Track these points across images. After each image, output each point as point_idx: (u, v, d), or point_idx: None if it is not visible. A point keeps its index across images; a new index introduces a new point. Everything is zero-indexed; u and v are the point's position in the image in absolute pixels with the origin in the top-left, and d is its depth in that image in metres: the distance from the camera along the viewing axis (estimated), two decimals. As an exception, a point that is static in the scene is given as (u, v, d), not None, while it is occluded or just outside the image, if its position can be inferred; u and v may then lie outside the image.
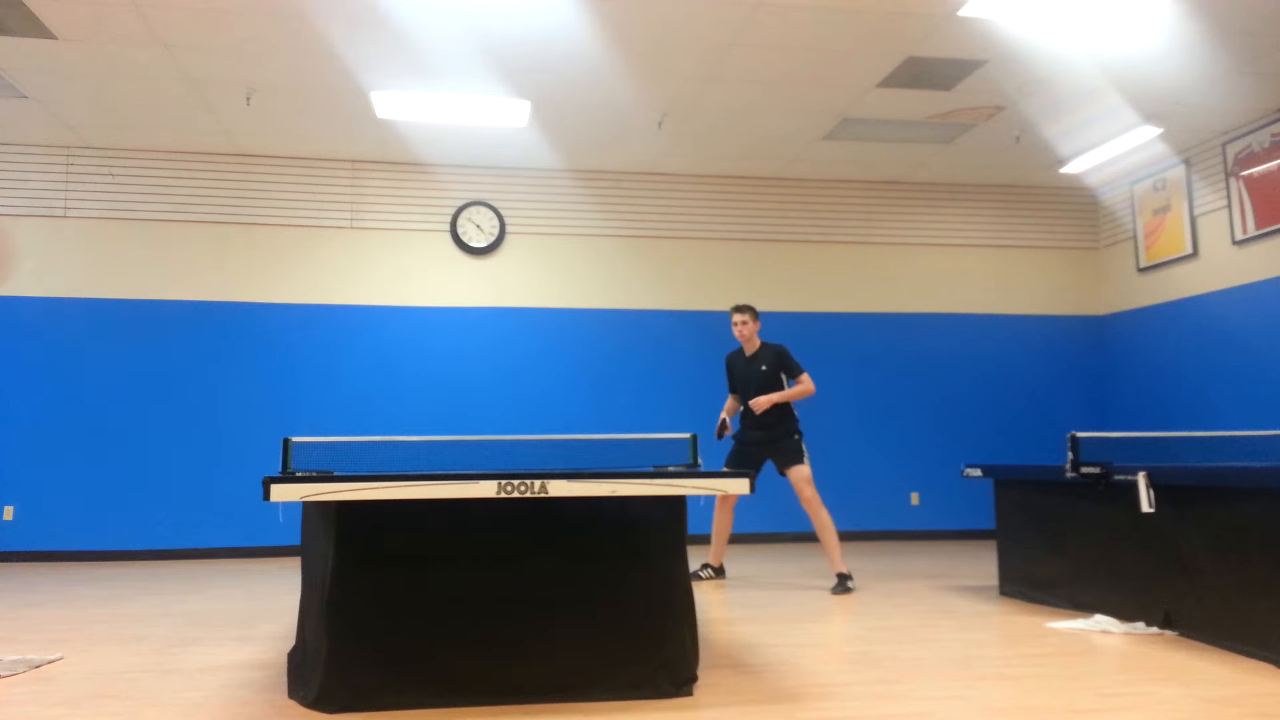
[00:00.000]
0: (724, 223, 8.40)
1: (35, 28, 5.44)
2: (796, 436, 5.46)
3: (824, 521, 5.29)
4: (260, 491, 2.51)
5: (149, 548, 7.17)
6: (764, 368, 5.51)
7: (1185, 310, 7.80)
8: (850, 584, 5.26)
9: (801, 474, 5.34)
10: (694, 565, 5.82)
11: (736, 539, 7.70)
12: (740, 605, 4.95)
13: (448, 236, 7.98)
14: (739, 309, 5.62)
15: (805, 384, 5.45)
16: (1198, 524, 3.86)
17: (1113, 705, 2.92)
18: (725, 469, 5.52)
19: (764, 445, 5.47)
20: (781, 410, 5.48)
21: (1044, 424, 8.49)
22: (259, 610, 4.86)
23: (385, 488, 2.72)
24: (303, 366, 7.58)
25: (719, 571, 5.87)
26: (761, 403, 5.40)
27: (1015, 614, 4.58)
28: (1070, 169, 8.19)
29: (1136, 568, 4.21)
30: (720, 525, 5.79)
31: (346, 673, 2.86)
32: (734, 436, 5.66)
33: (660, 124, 7.07)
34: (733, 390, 5.71)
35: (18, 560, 7.01)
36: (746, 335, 5.58)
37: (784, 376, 5.52)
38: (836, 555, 5.30)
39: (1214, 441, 6.76)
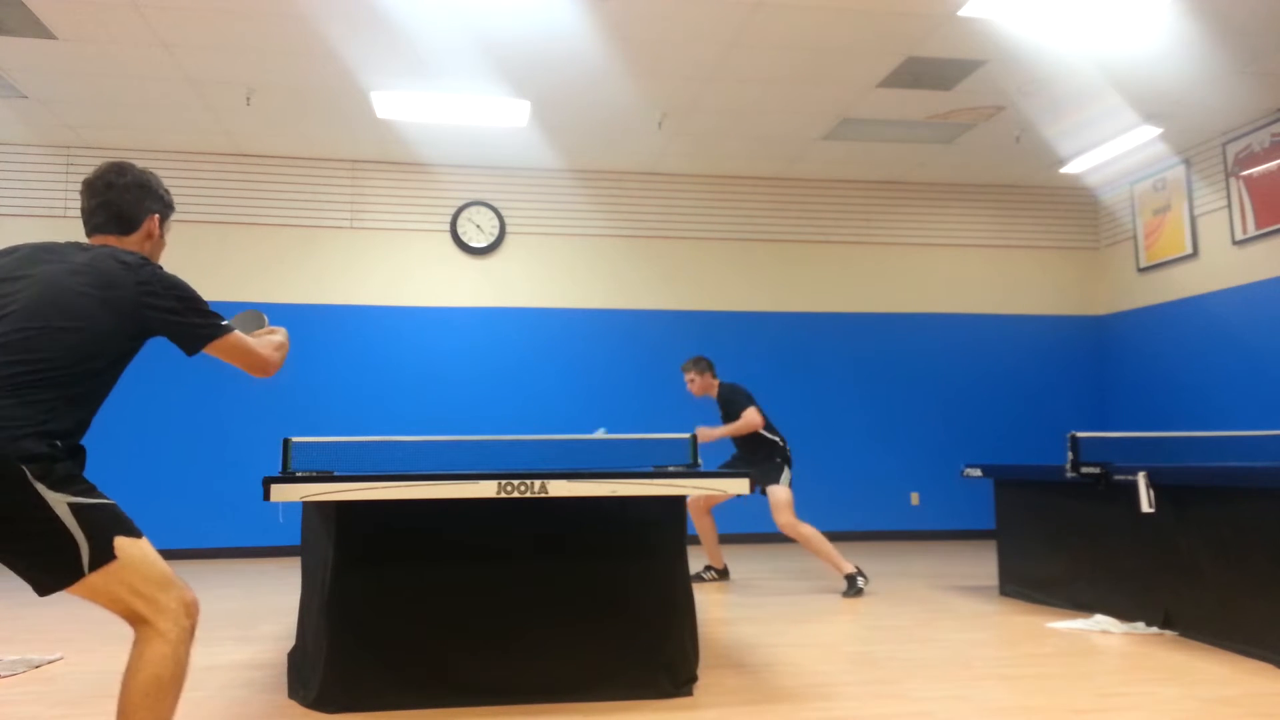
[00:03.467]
0: (724, 223, 8.40)
1: (35, 28, 5.44)
2: (778, 460, 5.41)
3: (808, 538, 5.23)
4: (260, 491, 2.52)
5: (149, 548, 7.17)
6: (724, 411, 5.56)
7: (1185, 310, 7.80)
8: (861, 583, 5.22)
9: (777, 496, 5.28)
10: (695, 567, 5.82)
11: (737, 539, 7.70)
12: (740, 605, 4.95)
13: (448, 236, 7.98)
14: (684, 368, 5.66)
15: (745, 418, 5.39)
16: (1198, 524, 3.86)
17: (1113, 705, 2.92)
18: (721, 469, 5.53)
19: (751, 467, 5.47)
20: (753, 440, 5.47)
21: (1044, 424, 8.49)
22: (259, 610, 4.86)
23: (385, 488, 2.72)
24: (303, 366, 7.57)
25: (723, 573, 5.87)
26: (703, 434, 5.39)
27: (1015, 614, 4.58)
28: (1070, 169, 8.18)
29: (1136, 568, 4.21)
30: (704, 529, 5.79)
31: (346, 673, 2.86)
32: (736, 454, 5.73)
33: (660, 124, 7.07)
34: None
35: (18, 560, 7.00)
36: (697, 392, 5.64)
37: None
38: (836, 560, 5.26)
39: (1214, 441, 6.76)
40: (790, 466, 5.42)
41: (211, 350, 2.18)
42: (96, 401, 2.04)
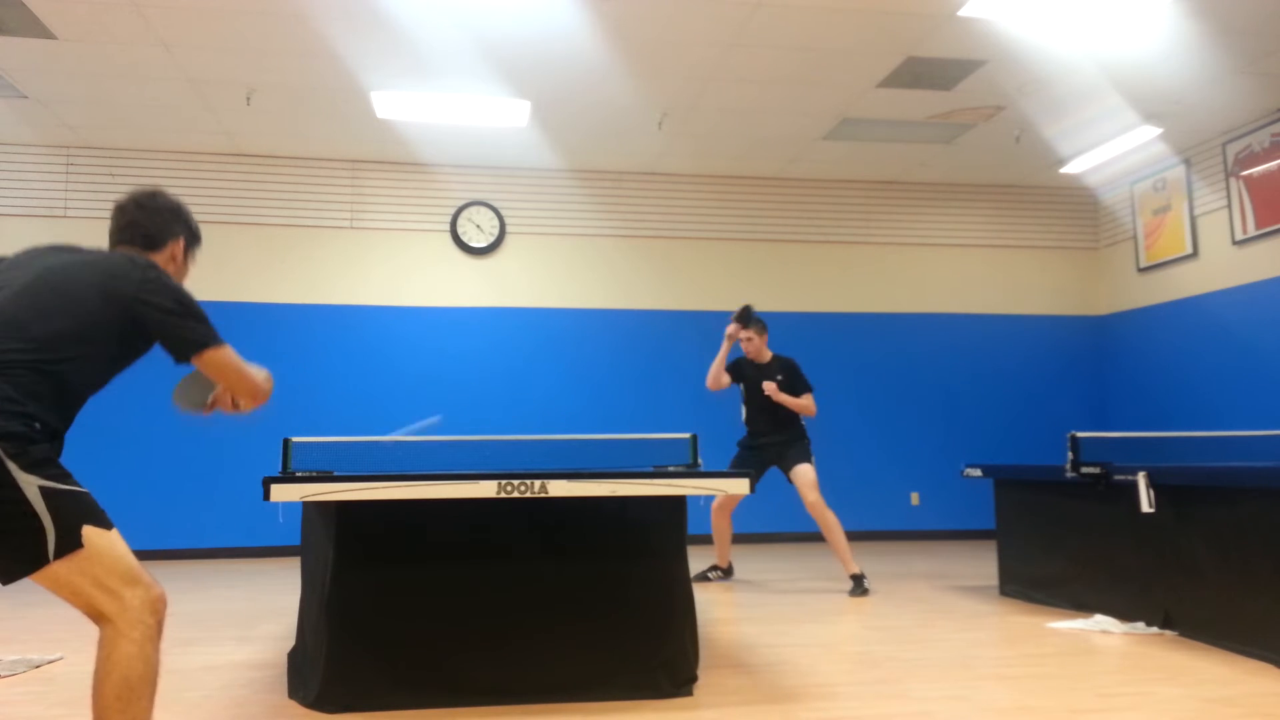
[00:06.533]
0: (724, 223, 8.40)
1: (35, 28, 5.43)
2: (807, 440, 5.54)
3: (830, 524, 5.27)
4: (260, 491, 2.52)
5: (149, 548, 7.17)
6: (778, 378, 5.55)
7: (1185, 310, 7.80)
8: (867, 584, 5.25)
9: (807, 476, 5.35)
10: (700, 567, 5.81)
11: (737, 538, 7.69)
12: (741, 605, 4.95)
13: (448, 236, 7.98)
14: (747, 322, 5.62)
15: (808, 402, 5.52)
16: (1198, 524, 3.86)
17: (1113, 705, 2.92)
18: (728, 470, 5.54)
19: (773, 448, 5.51)
20: (794, 419, 5.55)
21: (1044, 424, 8.48)
22: (259, 610, 4.86)
23: (385, 488, 2.72)
24: (303, 366, 7.57)
25: (727, 572, 5.88)
26: (771, 387, 5.43)
27: (1015, 614, 4.58)
28: (1070, 169, 8.18)
29: (1136, 568, 4.21)
30: (720, 530, 5.81)
31: (346, 673, 2.86)
32: (739, 443, 5.70)
33: (660, 124, 7.07)
34: (735, 378, 5.68)
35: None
36: (754, 351, 5.63)
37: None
38: (847, 557, 5.29)
39: (1214, 441, 6.76)
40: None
41: (201, 362, 2.15)
42: (83, 394, 2.02)
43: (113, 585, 1.88)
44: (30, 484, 1.81)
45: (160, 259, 2.27)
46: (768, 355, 5.65)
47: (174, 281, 2.13)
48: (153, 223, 2.27)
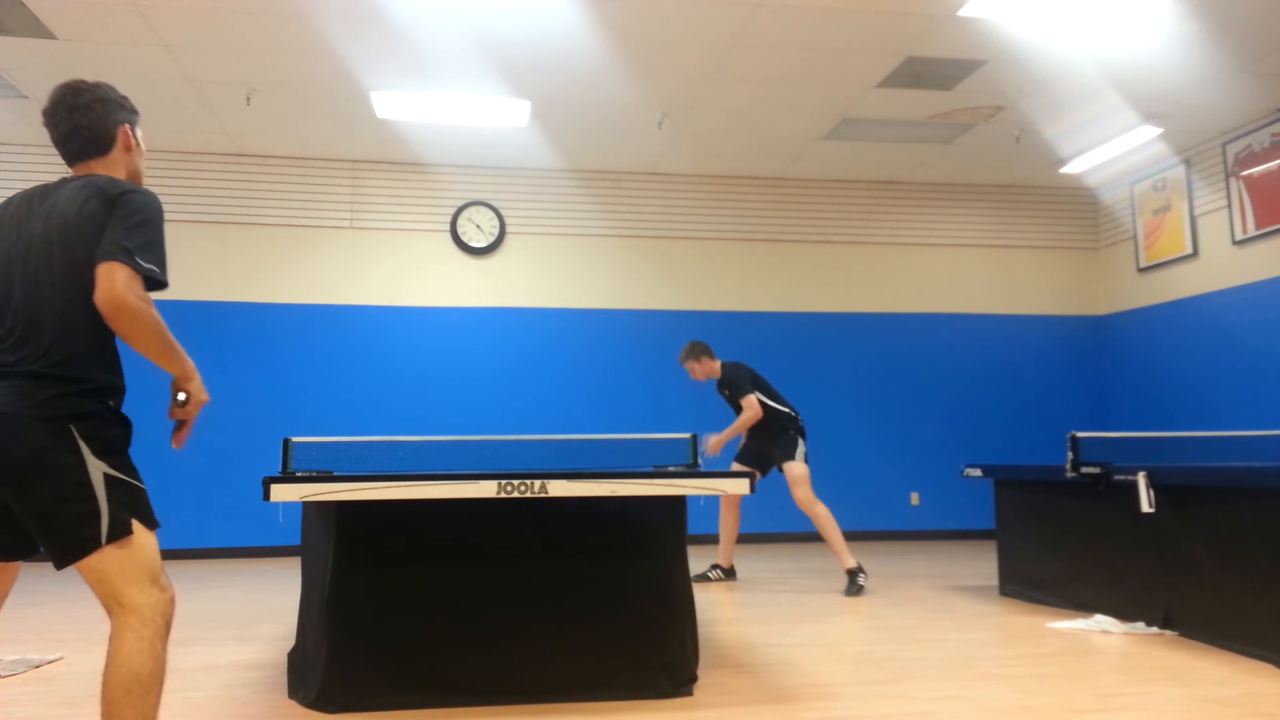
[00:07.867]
0: (724, 223, 8.40)
1: (35, 28, 5.43)
2: (791, 432, 5.42)
3: (821, 518, 5.24)
4: (260, 491, 2.53)
5: (149, 548, 7.17)
6: (727, 392, 5.57)
7: (1185, 310, 7.80)
8: (861, 580, 5.20)
9: (793, 472, 5.31)
10: (701, 567, 5.81)
11: (740, 538, 7.68)
12: (741, 605, 4.94)
13: (448, 236, 7.98)
14: (681, 359, 5.67)
15: (745, 409, 5.37)
16: (1198, 524, 3.86)
17: (1113, 705, 2.92)
18: (733, 468, 5.54)
19: (760, 449, 5.53)
20: (764, 419, 5.42)
21: (1044, 424, 8.49)
22: (259, 610, 4.86)
23: (385, 488, 2.72)
24: (303, 366, 7.57)
25: (729, 573, 5.85)
26: (712, 445, 5.42)
27: (1015, 614, 4.58)
28: (1070, 169, 8.18)
29: (1136, 568, 4.21)
30: (727, 525, 5.80)
31: (346, 673, 2.86)
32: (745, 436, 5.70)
33: (660, 124, 7.07)
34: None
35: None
36: (700, 377, 5.66)
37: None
38: (843, 551, 5.24)
39: (1214, 441, 6.76)
40: (804, 438, 5.43)
41: (104, 272, 1.87)
42: (112, 340, 1.99)
43: (139, 580, 1.93)
44: (97, 469, 1.87)
45: (118, 154, 2.13)
46: (717, 369, 5.62)
47: (140, 200, 1.97)
48: (91, 119, 2.10)
